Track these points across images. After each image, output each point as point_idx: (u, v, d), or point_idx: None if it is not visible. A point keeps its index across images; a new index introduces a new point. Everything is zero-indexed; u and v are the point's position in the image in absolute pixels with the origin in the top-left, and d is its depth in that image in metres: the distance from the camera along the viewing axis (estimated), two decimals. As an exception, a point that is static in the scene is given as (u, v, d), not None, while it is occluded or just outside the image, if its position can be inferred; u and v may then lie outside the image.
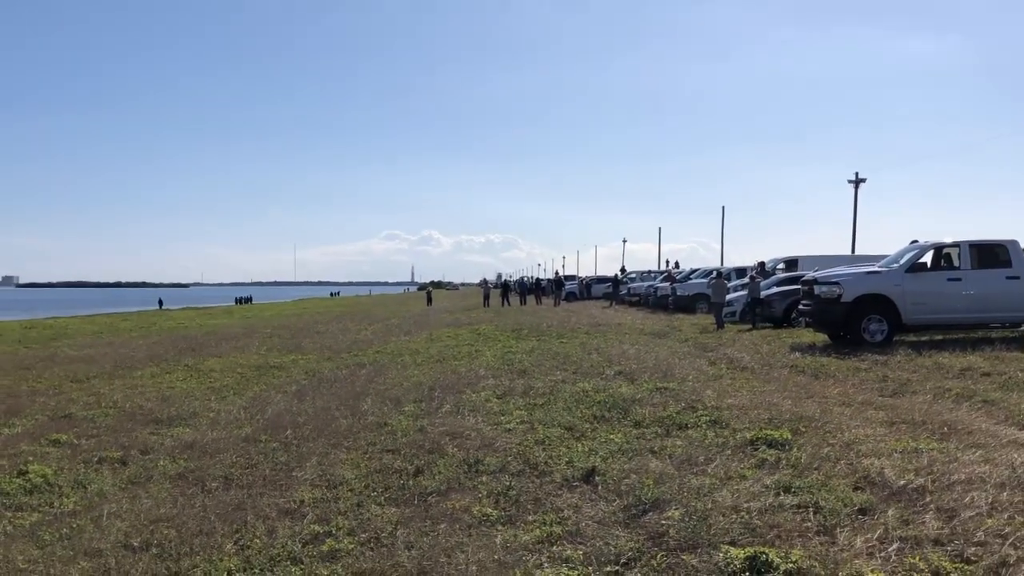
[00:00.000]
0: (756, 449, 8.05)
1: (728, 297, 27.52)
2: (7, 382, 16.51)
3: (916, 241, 19.38)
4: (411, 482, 7.52)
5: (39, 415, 12.37)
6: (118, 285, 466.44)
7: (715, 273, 31.19)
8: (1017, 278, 17.94)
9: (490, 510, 6.56)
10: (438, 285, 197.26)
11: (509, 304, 54.54)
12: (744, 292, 27.44)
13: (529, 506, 6.65)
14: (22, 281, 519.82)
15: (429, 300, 67.67)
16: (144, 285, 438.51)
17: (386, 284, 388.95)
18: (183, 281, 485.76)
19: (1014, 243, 18.34)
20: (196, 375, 17.03)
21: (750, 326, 24.96)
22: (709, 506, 6.22)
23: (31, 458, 9.17)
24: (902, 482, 6.55)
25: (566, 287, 60.67)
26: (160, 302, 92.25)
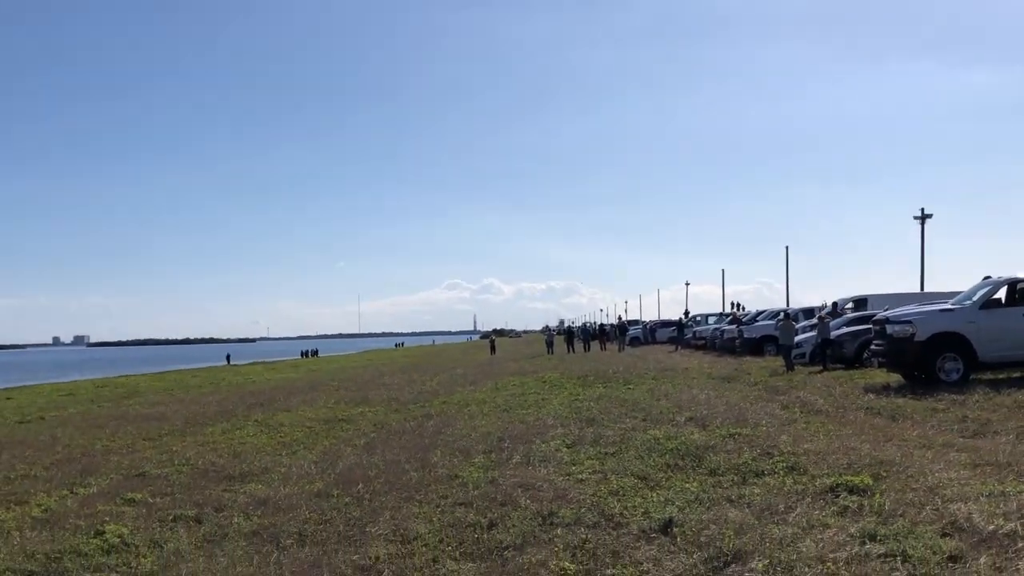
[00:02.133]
0: (837, 496, 7.86)
1: (797, 339, 27.10)
2: (82, 441, 16.78)
3: (989, 276, 18.96)
4: (485, 536, 7.44)
5: (114, 474, 12.49)
6: (186, 342, 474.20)
7: (783, 314, 30.71)
8: (1095, 309, 17.39)
9: (567, 564, 6.46)
10: (500, 333, 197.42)
11: (574, 351, 54.43)
12: (813, 333, 27.01)
13: (607, 559, 6.53)
14: (92, 340, 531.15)
15: (493, 348, 67.29)
16: (212, 341, 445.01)
17: (449, 333, 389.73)
18: (250, 336, 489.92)
19: (1091, 274, 17.83)
20: (266, 430, 17.11)
21: (820, 368, 24.52)
22: (793, 557, 6.05)
23: (107, 518, 9.23)
24: (991, 527, 6.34)
25: (630, 332, 60.34)
26: (228, 357, 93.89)
